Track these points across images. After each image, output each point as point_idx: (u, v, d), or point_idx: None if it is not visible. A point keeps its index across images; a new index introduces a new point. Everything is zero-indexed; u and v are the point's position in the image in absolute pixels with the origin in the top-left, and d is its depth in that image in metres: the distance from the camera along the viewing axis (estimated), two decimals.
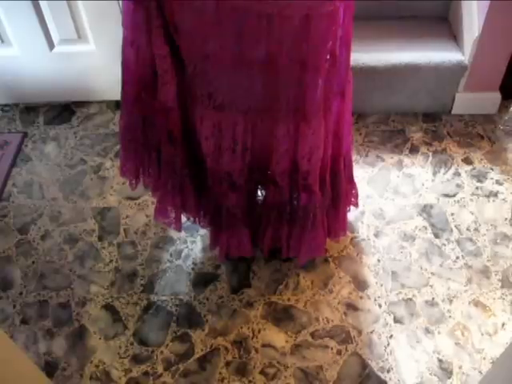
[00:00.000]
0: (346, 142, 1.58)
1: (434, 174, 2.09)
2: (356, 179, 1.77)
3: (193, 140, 1.51)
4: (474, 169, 2.11)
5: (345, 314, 1.73)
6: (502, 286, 1.77)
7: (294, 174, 1.50)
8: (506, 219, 1.94)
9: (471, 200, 2.00)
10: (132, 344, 1.68)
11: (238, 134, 1.42)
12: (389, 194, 2.03)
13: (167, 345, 1.68)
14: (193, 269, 1.85)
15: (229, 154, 1.46)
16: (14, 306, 1.78)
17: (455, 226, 1.93)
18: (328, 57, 1.30)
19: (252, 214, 1.66)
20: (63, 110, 2.40)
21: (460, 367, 1.61)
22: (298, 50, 1.25)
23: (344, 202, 1.71)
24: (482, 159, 2.14)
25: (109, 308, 1.77)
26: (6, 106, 2.43)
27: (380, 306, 1.74)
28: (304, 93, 1.33)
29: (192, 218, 1.74)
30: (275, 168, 1.50)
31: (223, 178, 1.52)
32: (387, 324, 1.70)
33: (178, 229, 1.72)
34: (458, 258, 1.84)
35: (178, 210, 1.67)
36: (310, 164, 1.47)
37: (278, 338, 1.68)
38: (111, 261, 1.87)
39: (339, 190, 1.64)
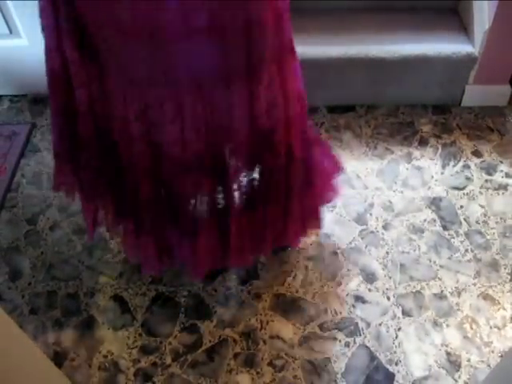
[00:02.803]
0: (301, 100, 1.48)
1: (443, 166, 2.08)
2: (365, 171, 1.76)
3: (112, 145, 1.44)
4: (483, 161, 2.10)
5: (353, 306, 1.73)
6: (511, 280, 1.76)
7: (256, 139, 1.41)
8: None
9: (480, 193, 1.99)
10: (140, 335, 1.69)
11: (198, 110, 1.34)
12: (398, 187, 2.03)
13: (175, 336, 1.68)
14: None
15: (194, 135, 1.37)
16: (23, 296, 1.78)
17: (464, 219, 1.92)
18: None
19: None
20: None
21: (468, 360, 1.60)
22: (243, 7, 1.19)
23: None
24: (491, 152, 2.13)
25: (117, 299, 1.77)
26: (14, 96, 2.44)
27: (388, 298, 1.74)
28: (252, 51, 1.26)
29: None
30: (236, 137, 1.40)
31: (192, 165, 1.43)
32: (395, 316, 1.70)
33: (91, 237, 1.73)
34: (466, 250, 1.84)
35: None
36: (271, 122, 1.39)
37: (286, 329, 1.69)
38: (120, 251, 1.88)
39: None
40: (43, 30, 1.32)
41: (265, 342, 1.66)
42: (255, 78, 1.31)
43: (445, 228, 1.90)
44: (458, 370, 1.58)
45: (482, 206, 1.95)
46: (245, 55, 1.26)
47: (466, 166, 2.08)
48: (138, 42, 1.23)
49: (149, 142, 1.39)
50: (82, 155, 1.47)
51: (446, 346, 1.63)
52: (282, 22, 1.30)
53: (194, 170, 1.43)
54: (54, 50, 1.32)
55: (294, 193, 1.55)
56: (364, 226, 1.92)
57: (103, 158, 1.48)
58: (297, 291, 1.77)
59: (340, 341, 1.66)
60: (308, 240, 1.87)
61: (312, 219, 1.72)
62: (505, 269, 1.79)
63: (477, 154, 2.12)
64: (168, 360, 1.63)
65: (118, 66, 1.31)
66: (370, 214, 1.95)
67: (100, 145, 1.45)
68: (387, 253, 1.84)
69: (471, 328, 1.66)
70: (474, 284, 1.76)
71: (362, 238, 1.89)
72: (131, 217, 1.55)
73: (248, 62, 1.28)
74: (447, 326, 1.67)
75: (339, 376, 1.58)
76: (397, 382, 1.57)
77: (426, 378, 1.57)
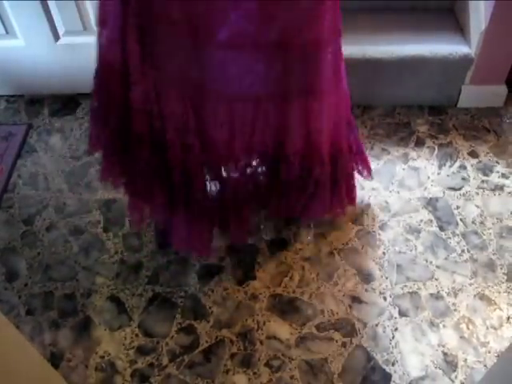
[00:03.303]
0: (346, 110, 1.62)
1: (440, 167, 2.09)
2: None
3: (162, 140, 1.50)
4: (479, 162, 2.10)
5: (350, 306, 1.73)
6: (508, 280, 1.77)
7: (306, 150, 1.53)
8: (511, 213, 1.93)
9: (477, 193, 2.00)
10: (137, 335, 1.69)
11: (248, 120, 1.41)
12: (394, 187, 2.03)
13: (172, 336, 1.68)
14: (198, 260, 1.85)
15: (242, 139, 1.46)
16: (20, 297, 1.78)
17: (460, 220, 1.92)
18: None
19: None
20: (68, 102, 2.40)
21: (465, 360, 1.60)
22: (311, 27, 1.25)
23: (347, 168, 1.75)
24: (488, 152, 2.13)
25: (114, 299, 1.77)
26: (11, 97, 2.43)
27: (385, 298, 1.74)
28: (317, 70, 1.34)
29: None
30: (289, 147, 1.51)
31: (235, 166, 1.55)
32: (392, 317, 1.70)
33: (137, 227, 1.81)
34: (463, 251, 1.84)
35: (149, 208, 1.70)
36: (322, 137, 1.51)
37: (282, 330, 1.68)
38: (116, 252, 1.88)
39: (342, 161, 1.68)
40: (102, 22, 1.34)
41: (262, 342, 1.66)
42: (312, 94, 1.39)
43: (441, 228, 1.90)
44: (455, 371, 1.59)
45: (479, 207, 1.96)
46: (305, 71, 1.33)
47: (463, 167, 2.08)
48: (201, 44, 1.28)
49: (201, 141, 1.46)
50: (134, 150, 1.50)
51: (443, 346, 1.63)
52: (339, 40, 1.38)
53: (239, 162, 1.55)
54: (115, 42, 1.33)
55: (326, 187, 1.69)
56: (360, 227, 1.92)
57: (155, 152, 1.51)
58: (293, 292, 1.77)
59: (337, 341, 1.66)
60: (305, 240, 1.87)
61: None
62: (501, 269, 1.79)
63: (473, 154, 2.13)
64: (165, 361, 1.63)
65: (176, 71, 1.35)
66: (367, 215, 1.95)
67: (152, 140, 1.48)
68: (384, 253, 1.84)
69: (468, 328, 1.67)
70: (471, 284, 1.76)
71: (359, 239, 1.89)
72: (183, 207, 1.60)
73: (308, 78, 1.35)
74: (444, 326, 1.67)
75: (336, 376, 1.58)
76: (393, 382, 1.57)
77: (422, 378, 1.58)
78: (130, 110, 1.42)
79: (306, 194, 1.67)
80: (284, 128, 1.46)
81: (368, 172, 1.86)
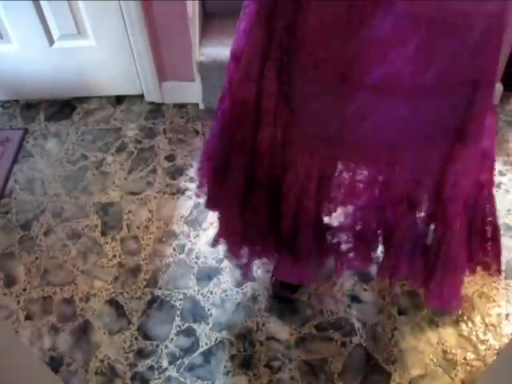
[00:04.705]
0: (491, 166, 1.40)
1: None
2: None
3: (277, 187, 1.35)
4: None
5: (349, 306, 1.73)
6: (506, 277, 1.77)
7: (435, 201, 1.32)
8: (508, 210, 1.94)
9: None
10: (136, 339, 1.68)
11: (384, 175, 1.28)
12: None
13: (172, 339, 1.68)
14: (196, 263, 1.85)
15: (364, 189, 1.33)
16: (18, 302, 1.78)
17: None
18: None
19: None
20: (64, 106, 2.40)
21: (464, 358, 1.61)
22: (473, 65, 1.09)
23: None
24: None
25: (113, 303, 1.77)
26: (6, 102, 2.43)
27: (384, 297, 1.74)
28: (471, 113, 1.16)
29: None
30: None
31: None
32: (391, 316, 1.70)
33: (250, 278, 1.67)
34: None
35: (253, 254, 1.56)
36: (457, 190, 1.29)
37: (282, 330, 1.68)
38: (114, 256, 1.87)
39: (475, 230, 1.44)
40: (236, 58, 1.23)
41: (261, 343, 1.66)
42: (462, 138, 1.20)
43: None
44: (455, 368, 1.59)
45: None
46: (461, 112, 1.16)
47: None
48: (346, 88, 1.14)
49: (317, 200, 1.33)
50: (254, 197, 1.37)
51: (442, 344, 1.64)
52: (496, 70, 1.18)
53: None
54: (252, 79, 1.19)
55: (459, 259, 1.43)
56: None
57: (270, 199, 1.38)
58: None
59: (336, 341, 1.66)
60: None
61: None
62: None
63: None
64: (165, 363, 1.63)
65: (311, 116, 1.22)
66: None
67: (269, 187, 1.35)
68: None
69: (467, 326, 1.67)
70: (469, 282, 1.76)
71: None
72: (289, 249, 1.47)
73: (461, 120, 1.18)
74: (443, 324, 1.67)
75: (336, 376, 1.59)
76: (394, 381, 1.57)
77: (422, 376, 1.58)
78: (254, 151, 1.29)
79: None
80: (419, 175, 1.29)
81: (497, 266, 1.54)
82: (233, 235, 1.51)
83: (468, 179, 1.30)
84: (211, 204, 1.54)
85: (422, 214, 1.35)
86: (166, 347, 1.66)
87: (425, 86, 1.11)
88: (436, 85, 1.11)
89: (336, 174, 1.30)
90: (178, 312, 1.74)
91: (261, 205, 1.37)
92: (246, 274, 1.60)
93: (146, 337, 1.69)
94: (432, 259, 1.40)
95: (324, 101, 1.18)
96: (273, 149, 1.26)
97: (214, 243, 1.56)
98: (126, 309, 1.75)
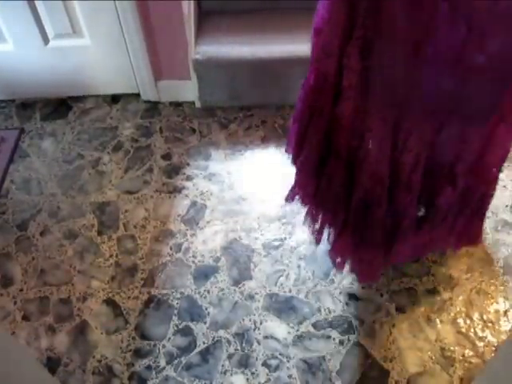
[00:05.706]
0: None
1: None
2: None
3: (354, 158, 1.42)
4: None
5: (346, 304, 1.73)
6: (504, 273, 1.77)
7: (474, 174, 1.46)
8: (506, 206, 1.94)
9: None
10: (134, 338, 1.68)
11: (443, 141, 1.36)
12: None
13: (169, 338, 1.68)
14: (193, 262, 1.84)
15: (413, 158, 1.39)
16: (15, 303, 1.77)
17: None
18: None
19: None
20: (59, 105, 2.39)
21: (463, 355, 1.60)
22: None
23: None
24: None
25: (110, 303, 1.76)
26: (2, 102, 2.42)
27: (382, 295, 1.74)
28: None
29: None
30: (459, 170, 1.43)
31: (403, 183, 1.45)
32: (389, 313, 1.70)
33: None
34: None
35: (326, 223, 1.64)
36: (497, 163, 1.46)
37: (279, 329, 1.68)
38: (111, 255, 1.87)
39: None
40: (318, 31, 1.26)
41: (259, 342, 1.66)
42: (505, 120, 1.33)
43: None
44: (453, 365, 1.59)
45: None
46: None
47: None
48: (417, 62, 1.20)
49: (391, 161, 1.39)
50: (330, 166, 1.45)
51: (440, 341, 1.63)
52: None
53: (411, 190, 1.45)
54: (334, 54, 1.25)
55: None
56: None
57: (347, 172, 1.45)
58: (290, 290, 1.76)
59: (334, 339, 1.66)
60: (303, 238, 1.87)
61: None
62: (497, 263, 1.79)
63: None
64: (162, 363, 1.63)
65: (385, 86, 1.28)
66: None
67: (348, 159, 1.42)
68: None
69: (465, 323, 1.67)
70: (467, 279, 1.76)
71: None
72: (352, 230, 1.55)
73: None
74: (441, 321, 1.67)
75: (334, 374, 1.58)
76: (392, 378, 1.57)
77: (420, 374, 1.58)
78: (334, 125, 1.36)
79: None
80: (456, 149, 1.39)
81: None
82: (306, 196, 1.60)
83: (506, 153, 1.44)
84: (293, 160, 1.59)
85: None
86: (164, 347, 1.66)
87: (483, 64, 1.18)
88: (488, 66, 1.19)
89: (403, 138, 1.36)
90: (175, 311, 1.73)
91: (336, 174, 1.45)
92: (317, 240, 1.68)
93: (144, 336, 1.68)
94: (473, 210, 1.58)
95: (397, 71, 1.24)
96: (352, 121, 1.33)
97: (288, 199, 1.63)
98: (123, 308, 1.75)
